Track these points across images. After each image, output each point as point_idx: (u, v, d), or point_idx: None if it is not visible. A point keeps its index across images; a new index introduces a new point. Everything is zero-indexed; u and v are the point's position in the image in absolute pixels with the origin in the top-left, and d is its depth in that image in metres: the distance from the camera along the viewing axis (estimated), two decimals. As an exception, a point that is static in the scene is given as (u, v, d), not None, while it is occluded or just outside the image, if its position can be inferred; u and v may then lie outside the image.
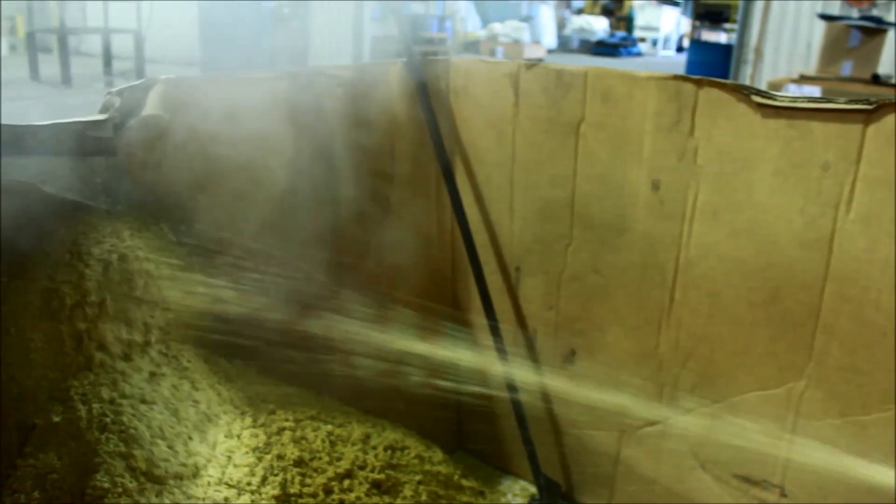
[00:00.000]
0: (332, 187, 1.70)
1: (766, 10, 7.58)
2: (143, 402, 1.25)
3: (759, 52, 7.62)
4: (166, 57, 11.15)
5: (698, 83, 1.47)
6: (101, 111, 1.33)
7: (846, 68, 5.70)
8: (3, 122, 1.18)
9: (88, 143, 1.29)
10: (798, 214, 1.40)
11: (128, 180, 1.35)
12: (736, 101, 1.43)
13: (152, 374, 1.32)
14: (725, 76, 7.41)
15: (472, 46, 14.26)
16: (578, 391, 1.79)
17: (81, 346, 1.23)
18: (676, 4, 18.48)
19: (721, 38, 11.16)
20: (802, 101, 1.36)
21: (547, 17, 16.22)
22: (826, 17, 6.16)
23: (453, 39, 13.97)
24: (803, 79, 5.92)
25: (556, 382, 1.84)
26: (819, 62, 5.89)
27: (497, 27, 14.71)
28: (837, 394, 1.43)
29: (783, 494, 1.53)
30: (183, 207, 1.44)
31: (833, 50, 5.77)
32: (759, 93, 1.40)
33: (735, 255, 1.49)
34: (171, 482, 1.22)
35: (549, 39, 16.04)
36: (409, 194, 1.85)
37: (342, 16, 9.63)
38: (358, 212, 1.76)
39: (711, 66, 8.58)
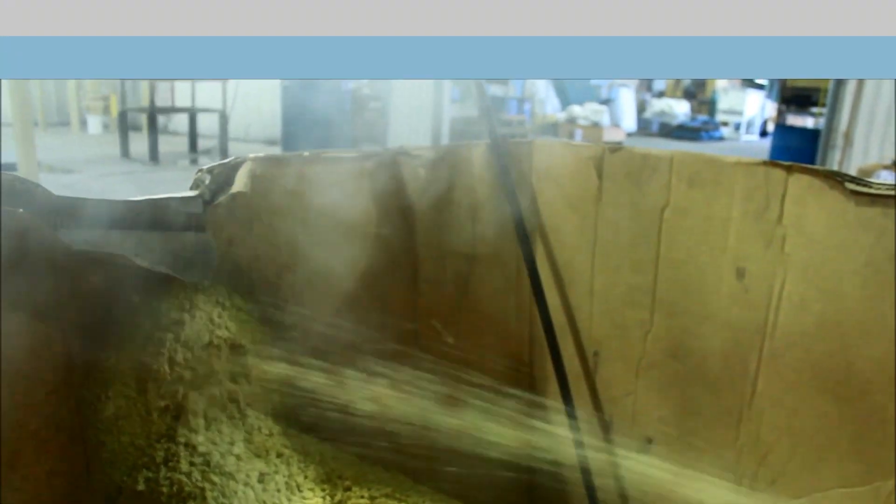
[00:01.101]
0: (412, 266, 1.72)
1: (859, 92, 7.30)
2: (226, 475, 1.26)
3: (848, 137, 7.41)
4: (249, 136, 11.58)
5: (788, 169, 1.44)
6: (192, 187, 1.38)
7: (943, 154, 5.54)
8: (97, 197, 1.23)
9: (179, 218, 1.33)
10: (892, 308, 1.34)
11: (216, 255, 1.39)
12: (828, 188, 1.39)
13: (235, 447, 1.33)
14: (812, 162, 7.26)
15: (550, 129, 14.39)
16: (654, 480, 1.73)
17: (166, 416, 1.25)
18: (761, 88, 18.34)
19: (808, 122, 10.95)
20: (899, 190, 1.32)
21: (627, 100, 16.27)
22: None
23: (531, 122, 14.14)
24: (897, 165, 5.77)
25: (632, 470, 1.79)
26: (914, 148, 5.74)
27: (576, 110, 14.82)
28: (935, 498, 1.35)
29: None
30: (268, 282, 1.47)
31: (930, 134, 5.62)
32: (853, 180, 1.36)
33: (823, 347, 1.44)
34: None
35: (629, 122, 16.07)
36: (488, 275, 1.85)
37: (421, 97, 9.83)
38: (437, 291, 1.76)
39: (797, 151, 8.42)
